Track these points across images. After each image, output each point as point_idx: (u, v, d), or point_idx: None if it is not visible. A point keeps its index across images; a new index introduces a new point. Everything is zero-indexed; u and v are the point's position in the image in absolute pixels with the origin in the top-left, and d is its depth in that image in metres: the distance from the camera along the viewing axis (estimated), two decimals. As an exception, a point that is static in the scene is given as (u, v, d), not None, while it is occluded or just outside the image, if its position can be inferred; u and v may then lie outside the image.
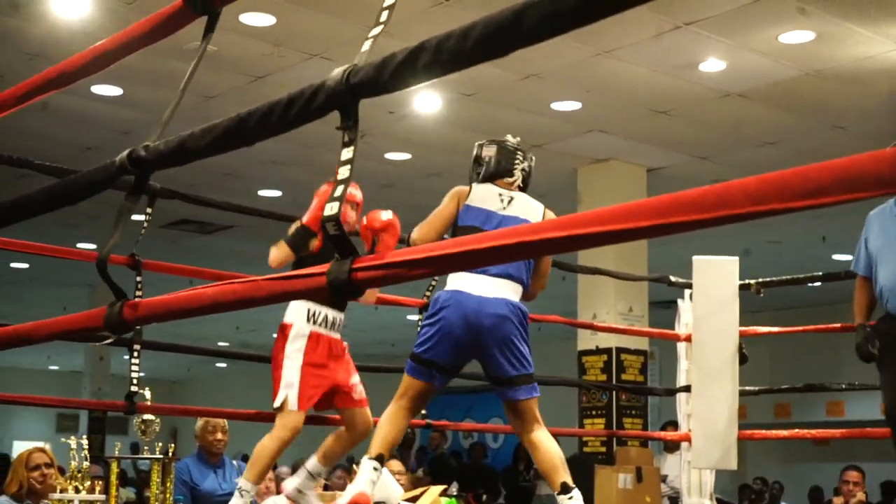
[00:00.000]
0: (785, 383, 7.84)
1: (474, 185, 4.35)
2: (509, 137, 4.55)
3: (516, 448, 13.31)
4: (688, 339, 6.45)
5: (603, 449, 9.94)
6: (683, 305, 6.67)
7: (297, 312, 4.75)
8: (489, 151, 4.42)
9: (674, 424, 7.84)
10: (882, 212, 5.10)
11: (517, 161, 4.41)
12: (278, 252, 4.63)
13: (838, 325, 7.34)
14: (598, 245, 1.06)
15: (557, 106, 8.67)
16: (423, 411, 5.62)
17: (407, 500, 6.25)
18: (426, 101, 8.54)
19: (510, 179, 4.37)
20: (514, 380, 4.20)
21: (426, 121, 9.00)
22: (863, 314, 5.23)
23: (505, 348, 4.16)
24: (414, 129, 9.24)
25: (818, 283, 14.85)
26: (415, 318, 6.03)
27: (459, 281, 4.18)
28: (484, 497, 11.54)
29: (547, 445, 4.24)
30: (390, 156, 9.97)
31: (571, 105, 8.67)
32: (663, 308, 9.37)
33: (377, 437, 4.33)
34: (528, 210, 4.31)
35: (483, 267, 3.99)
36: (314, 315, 4.75)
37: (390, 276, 1.30)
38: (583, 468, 10.11)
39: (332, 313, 4.80)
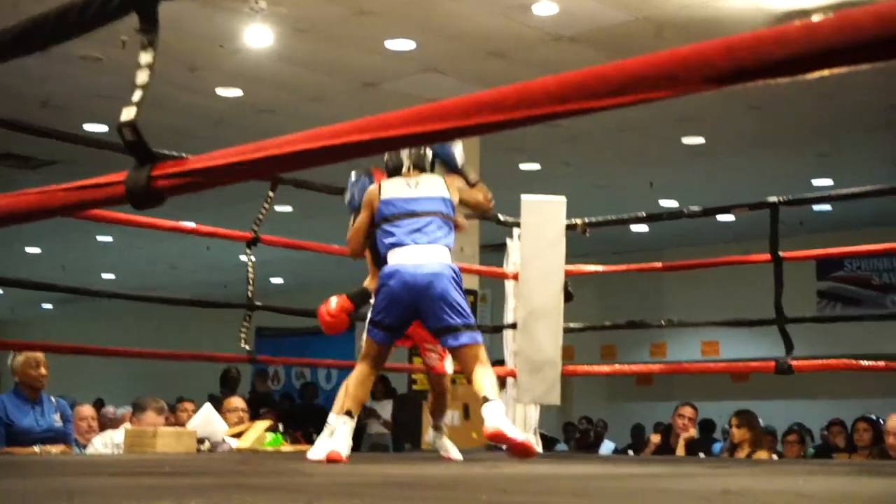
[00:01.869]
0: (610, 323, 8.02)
1: (383, 183, 5.02)
2: None
3: (348, 388, 13.30)
4: (515, 277, 6.55)
5: (432, 387, 10.04)
6: (512, 245, 6.76)
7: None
8: (387, 155, 5.06)
9: (500, 362, 7.97)
10: None
11: (404, 155, 5.04)
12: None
13: (660, 264, 7.59)
14: (403, 146, 1.04)
15: (391, 44, 8.61)
16: (249, 348, 5.66)
17: (232, 435, 6.21)
18: (257, 35, 8.35)
19: (405, 170, 5.02)
20: (459, 328, 4.81)
21: (258, 56, 8.83)
22: None
23: (444, 302, 4.78)
24: (245, 65, 9.05)
25: (645, 229, 15.36)
26: (245, 258, 5.92)
27: (397, 257, 4.84)
28: (314, 435, 11.53)
29: (475, 378, 4.77)
30: (221, 91, 9.74)
31: (406, 44, 8.62)
32: (495, 251, 9.48)
33: (347, 395, 4.95)
34: (435, 187, 4.98)
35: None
36: None
37: (192, 183, 1.26)
38: (411, 405, 10.25)
39: None
